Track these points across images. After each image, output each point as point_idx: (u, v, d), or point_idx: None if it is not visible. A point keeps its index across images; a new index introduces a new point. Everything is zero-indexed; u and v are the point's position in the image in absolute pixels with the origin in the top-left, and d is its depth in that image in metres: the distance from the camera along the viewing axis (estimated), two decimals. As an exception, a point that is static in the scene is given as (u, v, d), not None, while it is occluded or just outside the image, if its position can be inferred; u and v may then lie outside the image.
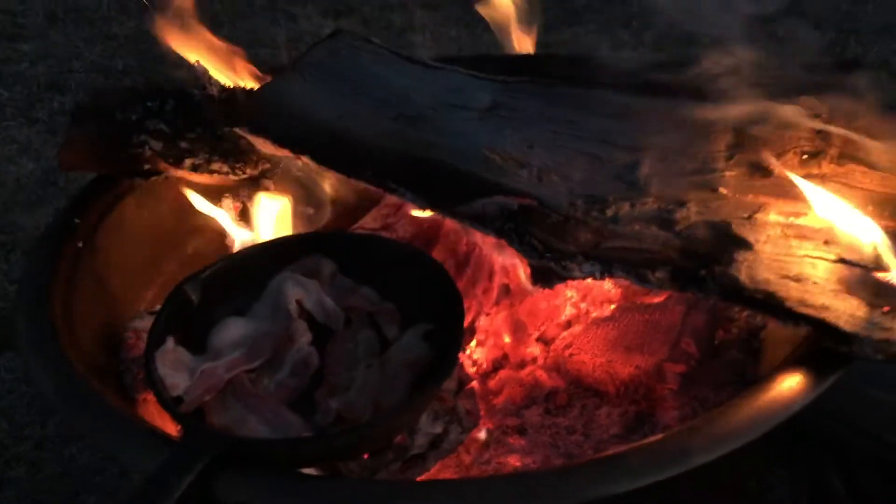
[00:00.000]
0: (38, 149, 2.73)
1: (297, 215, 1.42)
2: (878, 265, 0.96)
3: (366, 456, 0.98)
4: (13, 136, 2.80)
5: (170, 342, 1.01)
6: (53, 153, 2.67)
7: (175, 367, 0.98)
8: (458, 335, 1.01)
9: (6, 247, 2.28)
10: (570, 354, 1.17)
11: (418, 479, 1.00)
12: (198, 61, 1.30)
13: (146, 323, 1.20)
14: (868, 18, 3.30)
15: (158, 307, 1.16)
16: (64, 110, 2.93)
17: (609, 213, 1.00)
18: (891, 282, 0.95)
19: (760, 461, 1.54)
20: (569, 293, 1.27)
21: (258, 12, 3.56)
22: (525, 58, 1.46)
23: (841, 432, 1.49)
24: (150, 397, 1.12)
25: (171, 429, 1.04)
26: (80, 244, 1.22)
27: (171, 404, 0.95)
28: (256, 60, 1.36)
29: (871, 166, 1.00)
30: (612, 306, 1.25)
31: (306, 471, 0.92)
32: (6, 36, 3.43)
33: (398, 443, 0.98)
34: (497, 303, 1.25)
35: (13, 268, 2.20)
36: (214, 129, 1.25)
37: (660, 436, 0.88)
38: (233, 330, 1.06)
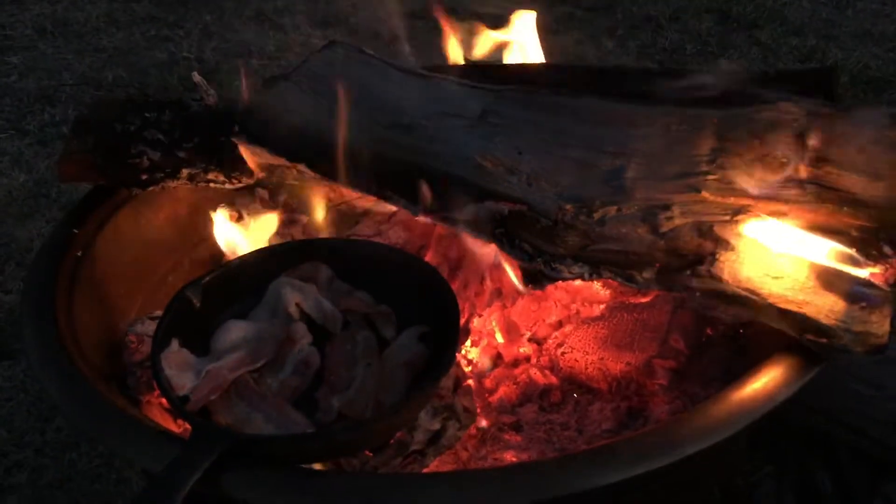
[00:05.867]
0: (30, 160, 2.71)
1: (291, 223, 1.45)
2: (853, 264, 0.99)
3: (367, 453, 0.99)
4: (4, 148, 2.78)
5: (174, 344, 1.02)
6: (44, 165, 2.68)
7: (180, 367, 0.99)
8: (454, 334, 1.02)
9: (0, 258, 2.28)
10: (563, 353, 1.19)
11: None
12: (195, 73, 1.33)
13: (146, 327, 1.22)
14: (848, 24, 3.35)
15: (158, 312, 1.17)
16: (54, 122, 2.92)
17: (596, 216, 1.01)
18: (865, 279, 0.98)
19: (747, 457, 1.56)
20: (559, 294, 1.29)
21: (247, 23, 3.56)
22: (513, 67, 1.49)
23: (827, 428, 1.50)
24: (154, 399, 1.14)
25: (175, 429, 1.07)
26: (80, 254, 1.23)
27: (178, 403, 0.96)
28: (248, 70, 1.36)
29: (844, 169, 1.03)
30: (602, 306, 1.26)
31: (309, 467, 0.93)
32: (-5, 49, 3.44)
33: (398, 439, 0.99)
34: (489, 305, 1.27)
35: (8, 279, 2.19)
36: (211, 139, 1.26)
37: (648, 428, 0.90)
38: (235, 332, 1.07)
